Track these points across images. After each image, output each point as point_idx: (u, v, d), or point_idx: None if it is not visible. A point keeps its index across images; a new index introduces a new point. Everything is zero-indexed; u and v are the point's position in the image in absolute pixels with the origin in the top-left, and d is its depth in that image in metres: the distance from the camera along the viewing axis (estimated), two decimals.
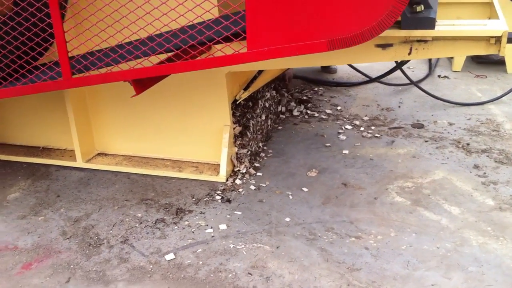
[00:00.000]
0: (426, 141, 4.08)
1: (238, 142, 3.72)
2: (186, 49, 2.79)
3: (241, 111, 3.85)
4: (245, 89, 3.82)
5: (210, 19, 2.72)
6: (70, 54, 2.89)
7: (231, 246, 2.94)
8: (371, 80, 5.31)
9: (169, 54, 2.86)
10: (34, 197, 3.51)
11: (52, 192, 3.57)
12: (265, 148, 4.06)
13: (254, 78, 3.95)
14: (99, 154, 3.97)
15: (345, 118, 4.55)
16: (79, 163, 3.83)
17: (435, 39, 2.98)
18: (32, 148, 4.10)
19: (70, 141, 3.86)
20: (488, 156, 3.80)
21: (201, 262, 2.81)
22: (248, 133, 3.80)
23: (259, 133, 4.03)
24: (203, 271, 2.75)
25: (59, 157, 3.95)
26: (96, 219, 3.23)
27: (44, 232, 3.13)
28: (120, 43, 2.88)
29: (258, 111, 4.06)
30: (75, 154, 3.83)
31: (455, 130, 4.25)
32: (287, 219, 3.15)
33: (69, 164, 3.87)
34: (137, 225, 3.15)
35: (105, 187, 3.60)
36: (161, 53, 2.86)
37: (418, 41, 3.00)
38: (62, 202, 3.44)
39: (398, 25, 2.94)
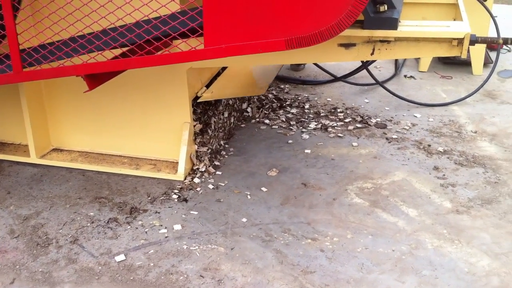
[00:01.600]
0: (388, 142, 4.07)
1: (198, 140, 3.65)
2: (141, 44, 2.71)
3: (202, 108, 3.77)
4: (207, 86, 3.75)
5: (167, 14, 2.64)
6: (21, 47, 2.78)
7: (185, 247, 2.87)
8: (337, 79, 5.29)
9: (124, 49, 2.78)
10: None
11: (2, 188, 3.45)
12: (226, 146, 3.99)
13: (218, 74, 3.88)
14: (54, 149, 3.85)
15: (309, 116, 4.51)
16: (33, 158, 3.71)
17: (398, 39, 2.94)
18: None
19: (25, 136, 3.73)
20: (448, 158, 3.81)
21: (152, 264, 2.74)
22: (209, 130, 3.73)
23: (220, 130, 3.96)
24: (153, 273, 2.67)
25: (12, 152, 3.82)
26: (46, 218, 3.13)
27: None
28: (73, 36, 2.78)
29: (220, 108, 3.99)
30: (29, 149, 3.70)
31: (417, 131, 4.25)
32: (244, 220, 3.10)
33: (22, 159, 3.75)
34: (89, 224, 3.06)
35: (58, 184, 3.49)
36: (115, 47, 2.77)
37: (381, 41, 2.97)
38: (13, 199, 3.32)
39: (361, 25, 2.90)
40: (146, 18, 2.66)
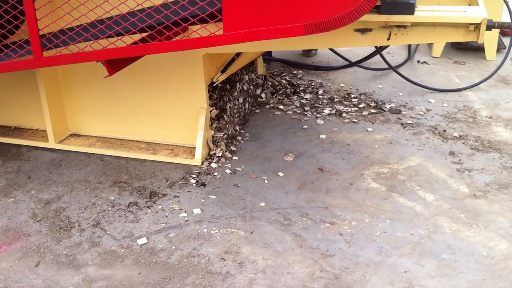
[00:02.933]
0: (403, 127, 4.08)
1: (214, 125, 3.68)
2: (160, 29, 2.73)
3: (218, 94, 3.79)
4: (223, 71, 3.76)
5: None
6: (41, 32, 2.80)
7: (205, 230, 2.91)
8: (350, 64, 5.28)
9: (143, 34, 2.80)
10: (4, 178, 3.43)
11: (23, 173, 3.49)
12: (241, 131, 4.01)
13: (232, 60, 3.89)
14: (72, 135, 3.88)
15: (323, 102, 4.52)
16: (51, 143, 3.75)
17: (414, 24, 2.94)
18: (3, 127, 4.00)
19: (43, 121, 3.77)
20: (464, 143, 3.82)
21: (174, 247, 2.78)
22: (225, 116, 3.75)
23: (236, 116, 3.98)
24: (175, 256, 2.71)
25: (30, 137, 3.86)
26: (67, 202, 3.17)
27: (14, 214, 3.06)
28: (92, 22, 2.79)
29: (235, 94, 4.01)
30: (47, 134, 3.74)
31: (432, 117, 4.26)
32: (262, 204, 3.13)
33: (41, 144, 3.78)
34: (110, 208, 3.10)
35: (77, 169, 3.52)
36: (134, 33, 2.79)
37: (397, 26, 2.96)
38: (33, 184, 3.36)
39: (378, 10, 2.90)
40: (164, 3, 2.68)
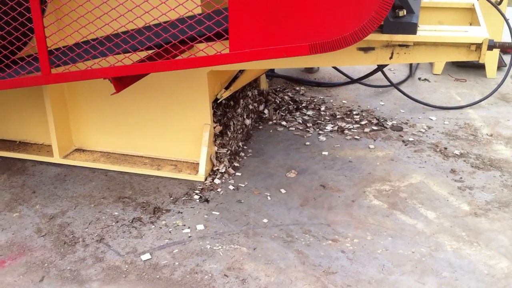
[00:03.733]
0: (405, 144, 4.12)
1: (218, 142, 3.71)
2: (167, 48, 2.77)
3: (222, 110, 3.83)
4: (227, 88, 3.81)
5: (193, 19, 2.70)
6: (49, 49, 2.84)
7: (208, 247, 2.93)
8: (352, 81, 5.33)
9: (150, 52, 2.84)
10: (9, 193, 3.46)
11: (27, 187, 3.52)
12: (245, 147, 4.05)
13: (236, 77, 3.94)
14: (76, 149, 3.92)
15: (326, 118, 4.57)
16: (56, 158, 3.79)
17: (417, 44, 2.99)
18: (8, 142, 4.04)
19: (48, 136, 3.81)
20: (465, 161, 3.85)
21: (177, 263, 2.80)
22: (228, 132, 3.79)
23: (239, 132, 4.02)
24: (179, 272, 2.74)
25: (35, 152, 3.90)
26: (72, 217, 3.20)
27: (19, 229, 3.09)
28: (100, 39, 2.84)
29: (239, 110, 4.05)
30: (52, 149, 3.78)
31: (433, 134, 4.30)
32: (265, 220, 3.16)
33: (46, 159, 3.82)
34: (114, 223, 3.13)
35: (82, 184, 3.56)
36: (142, 51, 2.83)
37: (400, 45, 3.01)
38: (38, 199, 3.39)
39: (381, 29, 2.95)
40: (172, 21, 2.72)
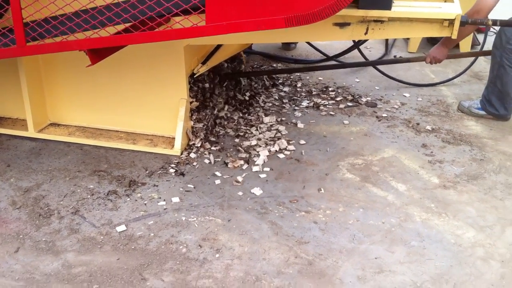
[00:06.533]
0: (378, 120, 4.19)
1: (194, 117, 3.73)
2: (144, 20, 2.77)
3: (199, 87, 3.84)
4: (203, 63, 3.82)
5: None
6: (24, 21, 2.82)
7: (183, 218, 2.97)
8: (329, 58, 5.37)
9: (127, 24, 2.84)
10: None
11: (1, 161, 3.51)
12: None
13: (212, 53, 3.95)
14: (51, 124, 3.90)
15: (302, 95, 4.61)
16: (31, 132, 3.76)
17: (391, 19, 3.03)
18: None
19: (22, 111, 3.78)
20: (436, 136, 3.94)
21: (152, 234, 2.84)
22: (206, 108, 3.81)
23: (216, 108, 4.04)
24: (154, 242, 2.77)
25: (10, 126, 3.86)
26: (47, 190, 3.20)
27: None
28: (76, 11, 2.82)
29: (217, 92, 4.06)
30: (27, 123, 3.76)
31: (406, 110, 4.38)
32: (240, 193, 3.21)
33: (20, 133, 3.80)
34: (89, 196, 3.14)
35: (57, 158, 3.56)
36: (118, 23, 2.82)
37: (375, 21, 3.04)
38: (12, 172, 3.39)
39: (356, 5, 2.98)
40: None
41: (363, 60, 5.10)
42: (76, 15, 2.82)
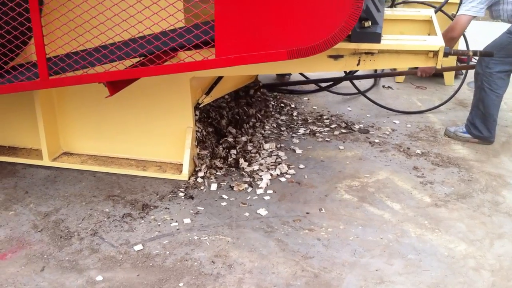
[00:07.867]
0: (371, 145, 4.46)
1: (199, 144, 3.97)
2: (158, 54, 3.03)
3: (205, 116, 4.10)
4: (207, 93, 4.08)
5: (182, 28, 2.98)
6: (47, 56, 3.06)
7: (195, 237, 3.18)
8: (322, 88, 5.68)
9: (142, 58, 3.09)
10: (2, 193, 3.64)
11: (20, 188, 3.71)
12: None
13: (215, 83, 4.21)
14: (64, 153, 4.12)
15: (298, 123, 4.88)
16: (46, 161, 3.97)
17: (381, 52, 3.29)
18: None
19: (36, 141, 4.00)
20: (426, 159, 4.22)
21: (168, 252, 3.04)
22: (209, 136, 4.05)
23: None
24: (170, 260, 2.97)
25: (25, 155, 4.07)
26: (65, 214, 3.40)
27: (16, 225, 3.28)
28: (96, 47, 3.08)
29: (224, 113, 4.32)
30: (42, 153, 3.97)
31: (397, 136, 4.66)
32: (247, 214, 3.43)
33: (35, 162, 4.01)
34: (105, 219, 3.35)
35: (72, 184, 3.76)
36: (134, 57, 3.08)
37: (366, 53, 3.31)
38: (31, 198, 3.58)
39: (349, 39, 3.26)
40: (163, 31, 2.99)
41: (354, 90, 5.40)
42: (96, 51, 3.07)
